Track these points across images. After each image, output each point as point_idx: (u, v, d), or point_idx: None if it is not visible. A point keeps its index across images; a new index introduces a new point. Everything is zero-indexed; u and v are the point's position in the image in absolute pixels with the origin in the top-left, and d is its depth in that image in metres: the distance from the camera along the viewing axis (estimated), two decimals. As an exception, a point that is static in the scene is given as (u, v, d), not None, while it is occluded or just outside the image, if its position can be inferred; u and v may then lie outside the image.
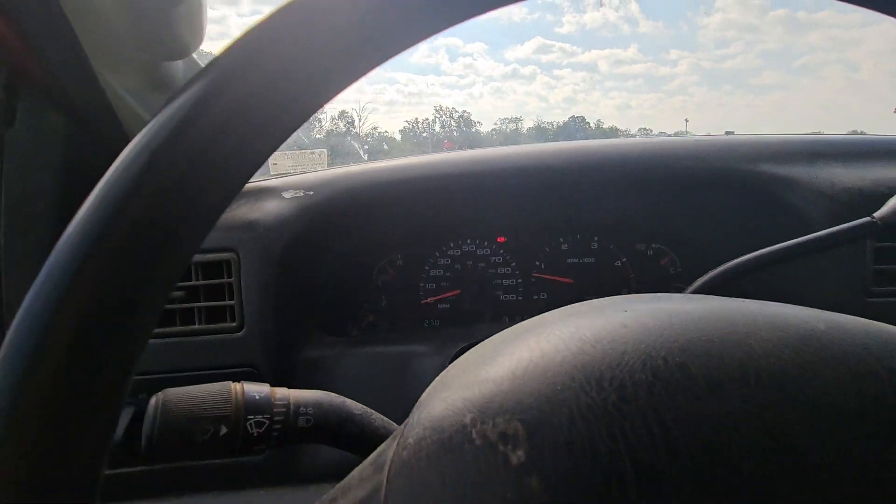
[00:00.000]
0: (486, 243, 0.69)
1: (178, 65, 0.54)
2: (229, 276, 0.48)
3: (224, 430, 0.28)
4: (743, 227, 0.57)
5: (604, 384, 0.15)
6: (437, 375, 0.24)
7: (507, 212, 0.67)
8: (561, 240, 0.69)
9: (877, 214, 0.42)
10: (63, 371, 0.13)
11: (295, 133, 0.18)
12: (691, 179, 0.56)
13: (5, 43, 0.50)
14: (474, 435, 0.16)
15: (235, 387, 0.29)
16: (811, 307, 0.52)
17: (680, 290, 0.62)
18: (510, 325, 0.60)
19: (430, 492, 0.15)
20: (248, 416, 0.28)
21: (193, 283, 0.48)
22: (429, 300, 0.68)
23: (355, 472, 0.20)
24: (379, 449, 0.20)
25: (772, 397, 0.14)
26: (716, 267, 0.45)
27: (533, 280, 0.68)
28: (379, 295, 0.67)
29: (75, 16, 0.49)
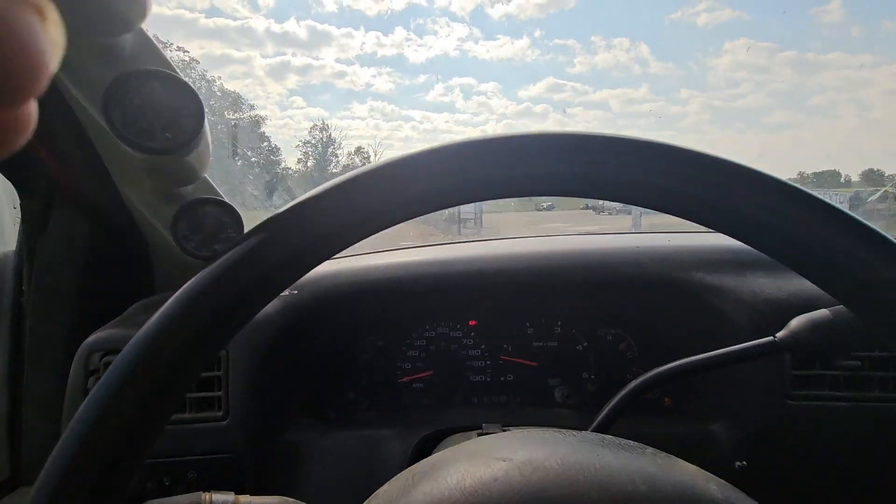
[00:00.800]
0: (458, 326, 0.75)
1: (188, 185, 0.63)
2: (218, 370, 0.55)
3: None
4: (682, 325, 0.62)
5: None
6: (399, 460, 0.30)
7: (479, 298, 0.73)
8: (528, 324, 0.75)
9: (778, 335, 0.48)
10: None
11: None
12: (631, 284, 0.62)
13: (46, 167, 0.60)
14: None
15: (205, 496, 0.35)
16: (741, 406, 0.59)
17: (637, 374, 0.67)
18: (479, 407, 0.68)
19: None
20: None
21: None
22: (404, 379, 0.74)
23: None
24: None
25: None
26: (666, 353, 0.51)
27: (501, 363, 0.74)
28: (360, 374, 0.73)
29: (100, 141, 0.59)
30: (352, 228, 0.26)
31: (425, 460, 0.30)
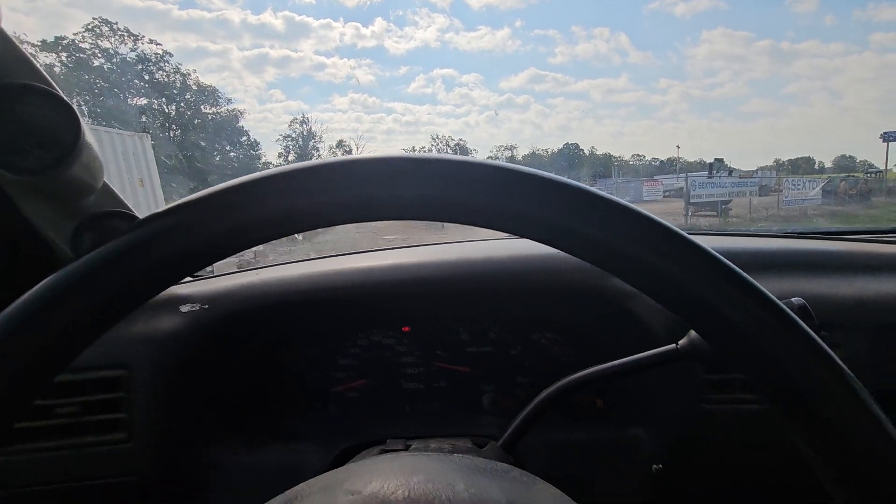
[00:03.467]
0: (391, 333, 0.74)
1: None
2: (121, 391, 0.53)
3: None
4: (608, 329, 0.62)
5: None
6: (318, 474, 0.30)
7: (411, 305, 0.72)
8: (461, 330, 0.74)
9: (680, 343, 0.48)
10: None
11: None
12: (556, 290, 0.62)
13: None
14: None
15: None
16: (657, 410, 0.58)
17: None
18: (412, 416, 0.67)
19: None
20: None
21: (87, 398, 0.53)
22: (338, 388, 0.73)
23: None
24: None
25: None
26: (599, 357, 0.50)
27: (434, 369, 0.73)
28: (291, 384, 0.72)
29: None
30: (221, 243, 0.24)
31: (283, 494, 0.29)
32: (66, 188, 0.52)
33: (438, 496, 0.27)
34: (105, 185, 0.60)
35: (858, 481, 0.23)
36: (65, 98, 0.44)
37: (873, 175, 24.48)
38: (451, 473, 0.29)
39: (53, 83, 0.46)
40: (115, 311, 0.23)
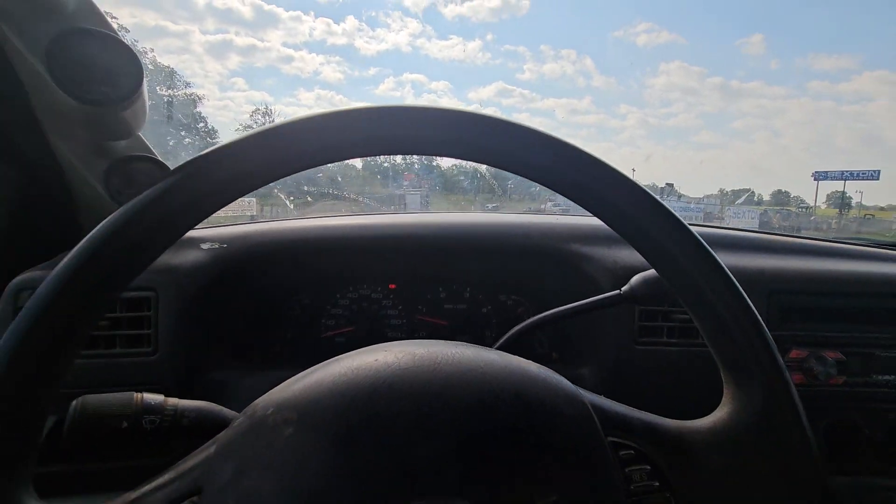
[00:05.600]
0: (379, 289, 0.84)
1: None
2: (148, 310, 0.61)
3: (125, 424, 0.41)
4: (565, 289, 0.75)
5: (347, 394, 0.31)
6: None
7: (398, 265, 0.82)
8: (440, 289, 0.85)
9: (622, 289, 0.61)
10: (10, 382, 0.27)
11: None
12: (523, 252, 0.74)
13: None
14: (269, 420, 0.31)
15: (137, 395, 0.42)
16: (601, 349, 0.73)
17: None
18: None
19: (238, 453, 0.30)
20: (145, 416, 0.41)
21: (118, 315, 0.60)
22: (327, 334, 0.82)
23: (196, 450, 0.34)
24: (216, 436, 0.34)
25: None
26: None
27: (416, 321, 0.84)
28: (285, 328, 0.80)
29: (34, 91, 0.62)
30: (249, 177, 0.33)
31: (337, 357, 0.38)
32: (114, 126, 0.59)
33: (449, 351, 0.38)
34: (138, 133, 0.67)
35: (732, 346, 0.36)
36: (130, 48, 0.52)
37: (804, 210, 26.70)
38: (457, 346, 0.40)
39: (118, 34, 0.53)
40: (169, 234, 0.30)
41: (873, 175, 28.02)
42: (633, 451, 0.35)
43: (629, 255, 0.70)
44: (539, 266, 0.76)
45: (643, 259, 0.38)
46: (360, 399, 0.33)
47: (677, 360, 0.67)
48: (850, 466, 0.67)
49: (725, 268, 0.36)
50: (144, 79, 0.53)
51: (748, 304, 0.36)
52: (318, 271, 0.80)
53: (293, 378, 0.36)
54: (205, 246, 0.66)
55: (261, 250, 0.71)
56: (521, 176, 0.37)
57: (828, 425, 0.67)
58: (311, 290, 0.81)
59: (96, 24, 0.56)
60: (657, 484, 0.34)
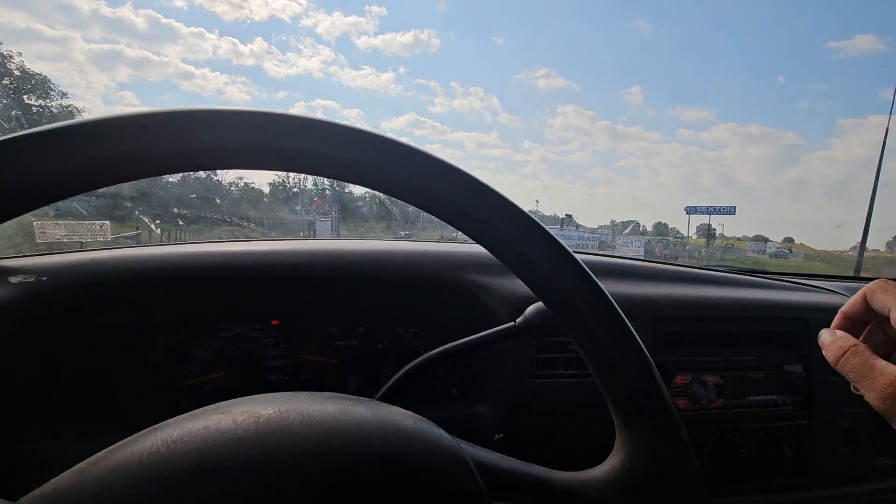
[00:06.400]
0: (258, 326, 0.73)
1: None
2: None
3: None
4: (463, 321, 0.71)
5: (155, 479, 0.24)
6: None
7: (282, 298, 0.73)
8: (330, 323, 0.77)
9: (517, 321, 0.58)
10: None
11: (72, 202, 0.25)
12: (419, 282, 0.70)
13: None
14: None
15: None
16: (498, 384, 0.67)
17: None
18: None
19: None
20: None
21: None
22: (192, 382, 0.69)
23: None
24: None
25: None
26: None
27: (302, 360, 0.74)
28: (135, 378, 0.66)
29: None
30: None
31: (151, 428, 0.30)
32: None
33: (305, 408, 0.31)
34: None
35: (620, 385, 0.33)
36: None
37: (680, 239, 30.43)
38: (322, 399, 0.34)
39: None
40: None
41: (731, 210, 32.90)
42: None
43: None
44: (436, 296, 0.71)
45: None
46: (175, 484, 0.25)
47: (575, 391, 0.65)
48: (735, 486, 0.69)
49: (610, 298, 0.34)
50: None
51: (639, 344, 0.34)
52: (182, 308, 0.68)
53: (83, 463, 0.27)
54: (14, 279, 0.52)
55: (98, 282, 0.58)
56: (398, 198, 0.32)
57: (713, 446, 0.69)
58: (174, 330, 0.69)
59: None
60: (549, 551, 0.30)
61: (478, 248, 0.77)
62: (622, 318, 0.34)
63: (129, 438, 0.28)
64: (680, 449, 0.32)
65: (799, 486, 0.71)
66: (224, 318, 0.72)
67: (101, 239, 0.88)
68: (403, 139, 0.31)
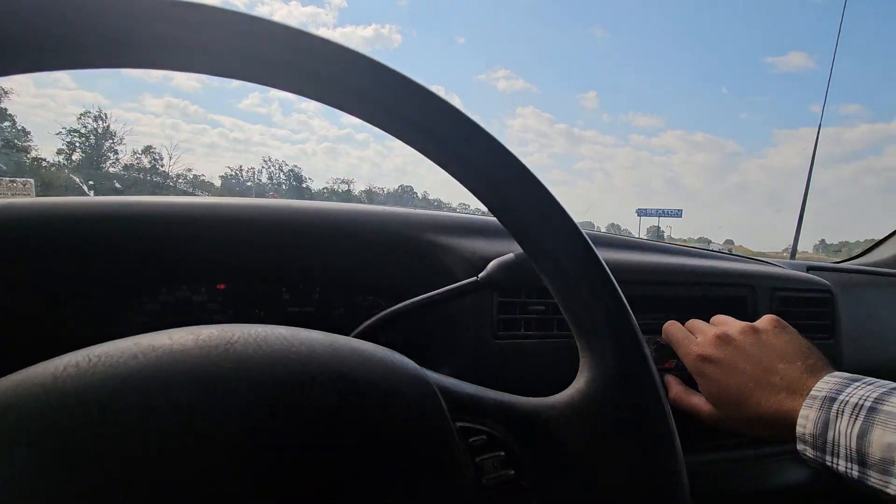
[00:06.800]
0: (203, 290, 0.68)
1: None
2: None
3: None
4: (421, 284, 0.69)
5: (73, 392, 0.22)
6: None
7: (229, 259, 0.68)
8: (283, 289, 0.72)
9: (480, 276, 0.57)
10: None
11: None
12: (379, 242, 0.67)
13: None
14: None
15: None
16: (459, 345, 0.65)
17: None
18: None
19: None
20: None
21: None
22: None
23: None
24: None
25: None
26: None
27: (251, 328, 0.70)
28: (48, 349, 0.60)
29: None
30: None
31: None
32: None
33: (251, 328, 0.28)
34: None
35: (585, 308, 0.32)
36: None
37: (630, 240, 31.87)
38: (271, 326, 0.31)
39: None
40: None
41: (678, 213, 34.70)
42: (485, 437, 0.29)
43: (489, 246, 0.67)
44: (396, 258, 0.69)
45: (507, 250, 0.34)
46: (94, 397, 0.22)
47: (537, 352, 0.65)
48: (688, 445, 0.71)
49: (580, 229, 0.34)
50: None
51: (602, 265, 0.34)
52: (111, 266, 0.62)
53: None
54: None
55: (16, 228, 0.52)
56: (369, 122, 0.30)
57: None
58: (100, 292, 0.62)
59: None
60: (512, 473, 0.28)
61: (440, 213, 0.76)
62: (588, 243, 0.33)
63: (52, 359, 0.25)
64: (642, 363, 0.31)
65: (749, 443, 0.74)
66: (161, 280, 0.66)
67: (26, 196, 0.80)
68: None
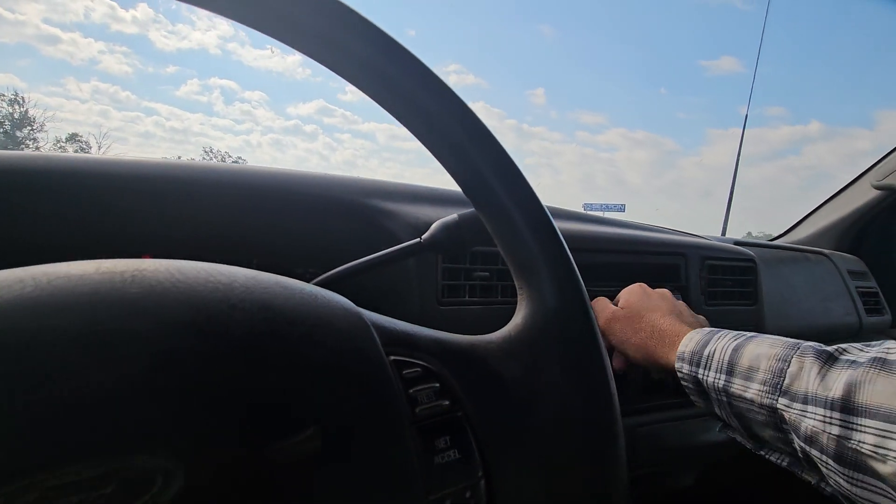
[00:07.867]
0: (126, 258, 0.63)
1: None
2: None
3: None
4: (364, 248, 0.67)
5: None
6: None
7: (155, 226, 0.63)
8: (217, 259, 0.68)
9: (423, 237, 0.56)
10: None
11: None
12: (318, 208, 0.65)
13: None
14: None
15: None
16: (403, 311, 0.63)
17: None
18: None
19: None
20: None
21: None
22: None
23: None
24: None
25: None
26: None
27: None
28: None
29: None
30: None
31: None
32: None
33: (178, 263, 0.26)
34: None
35: (524, 246, 0.32)
36: None
37: (578, 234, 33.16)
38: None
39: None
40: None
41: (621, 208, 36.41)
42: (419, 370, 0.28)
43: (434, 212, 0.66)
44: (337, 223, 0.67)
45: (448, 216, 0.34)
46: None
47: (481, 318, 0.65)
48: (627, 408, 0.74)
49: (519, 168, 0.33)
50: None
51: (541, 205, 0.34)
52: (17, 229, 0.56)
53: None
54: None
55: None
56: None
57: None
58: (5, 260, 0.56)
59: None
60: (447, 403, 0.28)
61: (384, 179, 0.74)
62: (528, 184, 0.33)
63: None
64: (578, 297, 0.32)
65: (682, 405, 0.78)
66: (79, 248, 0.61)
67: None
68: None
